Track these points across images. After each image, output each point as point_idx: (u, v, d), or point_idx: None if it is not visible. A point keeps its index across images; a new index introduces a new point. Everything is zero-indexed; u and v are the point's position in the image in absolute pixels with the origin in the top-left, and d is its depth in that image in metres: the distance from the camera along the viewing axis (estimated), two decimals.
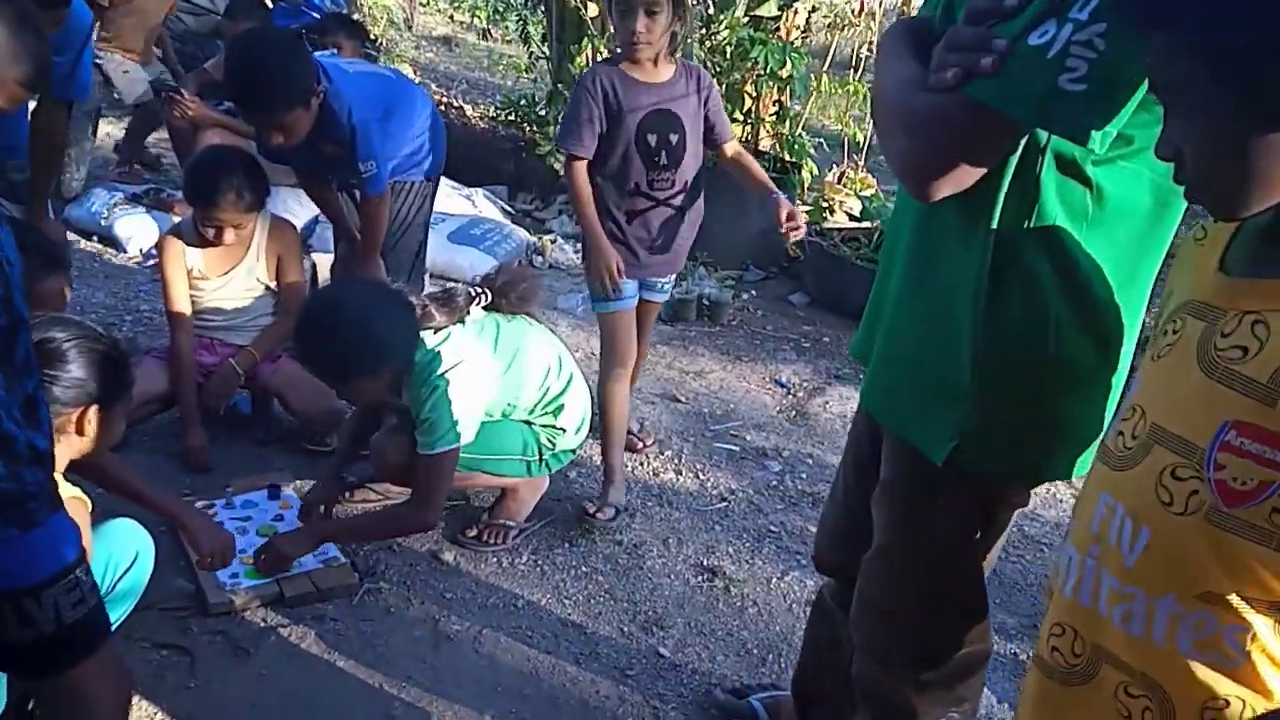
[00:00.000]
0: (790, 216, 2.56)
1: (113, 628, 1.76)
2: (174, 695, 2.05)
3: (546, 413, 2.55)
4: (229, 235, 2.74)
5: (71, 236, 4.20)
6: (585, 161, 2.57)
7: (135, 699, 2.01)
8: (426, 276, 3.31)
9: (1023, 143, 1.25)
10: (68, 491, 1.81)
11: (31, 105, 2.50)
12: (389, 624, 2.32)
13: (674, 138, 2.57)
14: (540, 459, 2.59)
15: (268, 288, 2.91)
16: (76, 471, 2.21)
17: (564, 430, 2.59)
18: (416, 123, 3.01)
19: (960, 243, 1.35)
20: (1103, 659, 1.06)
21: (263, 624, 2.27)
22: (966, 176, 1.23)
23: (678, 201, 2.67)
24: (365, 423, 2.65)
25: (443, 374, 2.28)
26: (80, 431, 1.76)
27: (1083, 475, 1.25)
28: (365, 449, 2.69)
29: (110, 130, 5.65)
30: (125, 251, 4.13)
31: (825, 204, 4.99)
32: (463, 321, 2.40)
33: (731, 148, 2.77)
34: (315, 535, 2.40)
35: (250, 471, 2.84)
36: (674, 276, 2.92)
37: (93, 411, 1.76)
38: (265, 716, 2.02)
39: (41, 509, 1.22)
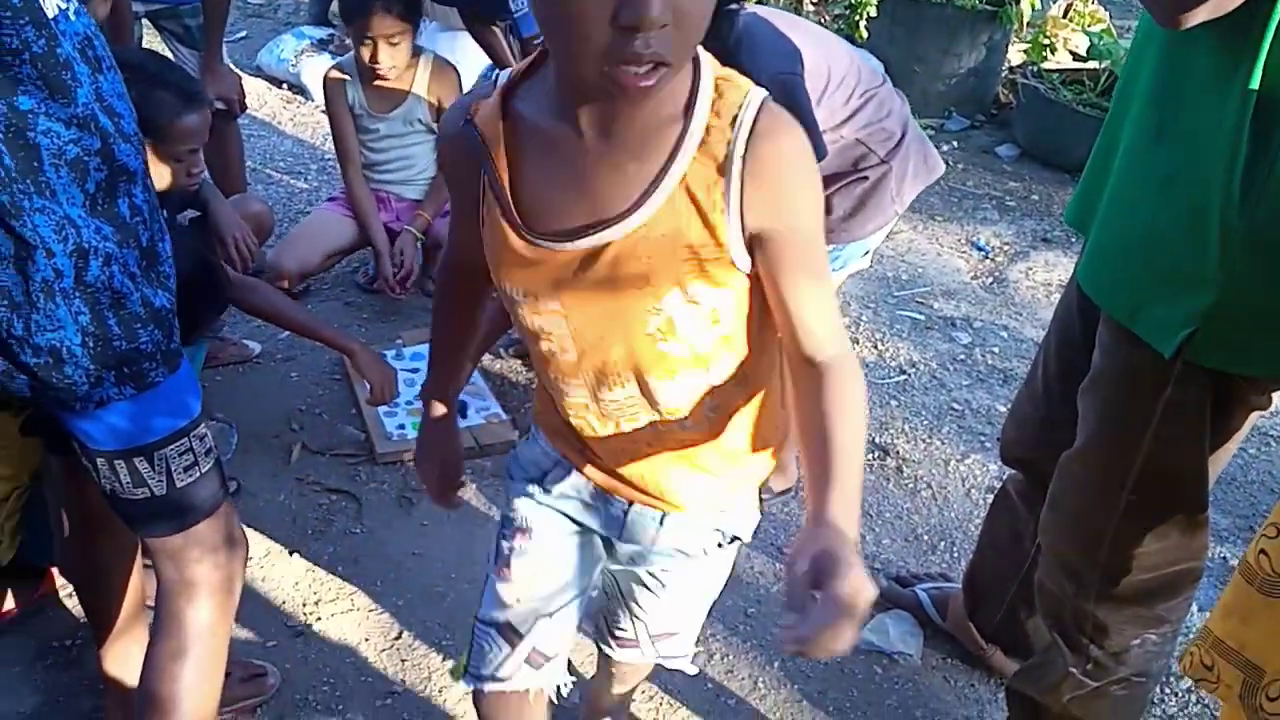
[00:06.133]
0: None
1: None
2: (341, 538, 2.12)
3: None
4: (385, 56, 2.67)
5: (261, 84, 4.30)
6: None
7: (305, 539, 2.10)
8: None
9: None
10: None
11: None
12: None
13: None
14: None
15: (429, 130, 2.86)
16: (252, 312, 2.28)
17: None
18: None
19: (1213, 89, 1.08)
20: None
21: None
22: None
23: None
24: None
25: None
26: None
27: None
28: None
29: None
30: (312, 99, 4.17)
31: (1046, 41, 4.43)
32: None
33: None
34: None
35: (420, 324, 2.86)
36: None
37: None
38: (425, 566, 2.06)
39: (157, 369, 1.19)
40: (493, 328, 2.54)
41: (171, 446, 1.24)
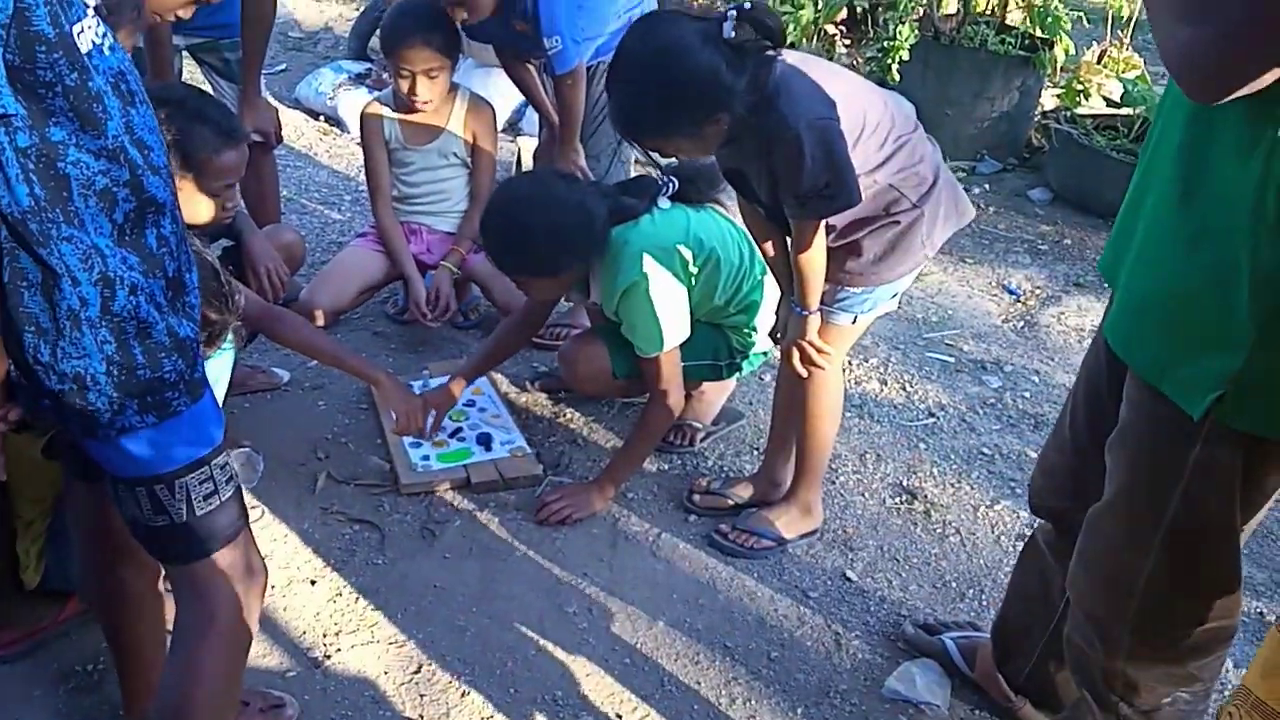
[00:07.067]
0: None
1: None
2: (363, 569, 2.11)
3: (739, 311, 2.39)
4: (422, 89, 2.70)
5: (298, 116, 4.37)
6: None
7: (327, 568, 2.09)
8: (632, 165, 3.17)
9: None
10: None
11: None
12: None
13: None
14: (730, 362, 2.44)
15: (464, 164, 2.89)
16: (281, 342, 2.31)
17: (756, 331, 2.42)
18: None
19: (1241, 153, 1.08)
20: None
21: (449, 508, 2.30)
22: (1268, 77, 0.96)
23: None
24: (532, 316, 2.53)
25: (636, 267, 2.16)
26: None
27: None
28: (529, 340, 2.67)
29: (342, 11, 5.81)
30: (348, 132, 4.23)
31: (1080, 87, 4.42)
32: (651, 211, 2.25)
33: None
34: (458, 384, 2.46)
35: (447, 354, 2.87)
36: None
37: None
38: (446, 599, 2.05)
39: (180, 399, 1.20)
40: (508, 346, 2.55)
41: (192, 475, 1.24)
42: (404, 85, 2.72)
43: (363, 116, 2.89)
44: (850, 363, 2.95)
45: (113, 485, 1.26)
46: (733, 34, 1.65)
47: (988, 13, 4.57)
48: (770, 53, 1.72)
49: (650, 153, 1.93)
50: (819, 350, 1.98)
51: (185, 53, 2.78)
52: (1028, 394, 2.90)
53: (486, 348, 2.52)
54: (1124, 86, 4.30)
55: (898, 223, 1.92)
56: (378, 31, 4.67)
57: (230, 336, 1.91)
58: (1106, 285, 1.40)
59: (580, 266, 2.25)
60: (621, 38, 1.78)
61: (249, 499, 2.24)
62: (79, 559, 1.57)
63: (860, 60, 4.82)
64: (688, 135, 1.75)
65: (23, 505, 1.76)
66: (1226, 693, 1.95)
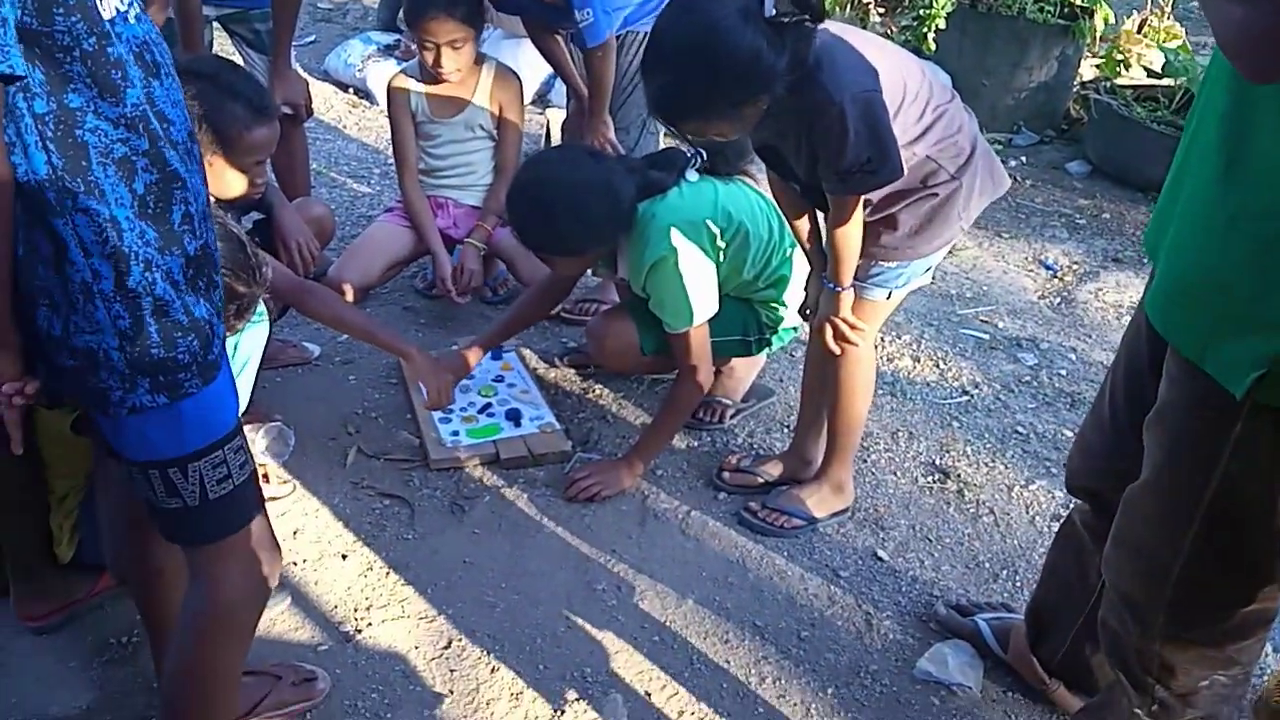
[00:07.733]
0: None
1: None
2: (393, 544, 2.12)
3: (768, 286, 2.36)
4: (447, 60, 2.68)
5: (328, 88, 4.36)
6: None
7: (358, 543, 2.10)
8: (661, 136, 3.14)
9: None
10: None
11: None
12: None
13: None
14: (760, 338, 2.42)
15: (491, 136, 2.87)
16: (311, 316, 2.31)
17: (786, 306, 2.39)
18: None
19: (1277, 129, 1.05)
20: None
21: (478, 484, 2.30)
22: None
23: None
24: (554, 288, 2.54)
25: (664, 241, 2.13)
26: None
27: None
28: (550, 311, 2.70)
29: None
30: (377, 104, 4.22)
31: (1120, 57, 4.32)
32: (679, 185, 2.22)
33: None
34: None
35: (476, 329, 2.86)
36: None
37: None
38: (476, 574, 2.05)
39: (192, 380, 1.18)
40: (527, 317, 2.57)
41: (205, 459, 1.23)
42: (429, 57, 2.70)
43: (389, 89, 2.87)
44: (883, 339, 2.91)
45: (127, 467, 1.26)
46: (773, 11, 1.61)
47: None
48: (810, 25, 1.68)
49: (687, 135, 1.90)
50: (852, 326, 1.95)
51: (215, 23, 2.77)
52: (1064, 372, 2.85)
53: (505, 318, 2.53)
54: (1165, 56, 4.20)
55: (935, 195, 1.88)
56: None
57: (262, 309, 1.91)
58: (1146, 260, 1.37)
59: (603, 246, 2.24)
60: (658, 18, 1.74)
61: (281, 473, 2.26)
62: (109, 535, 1.58)
63: (895, 29, 4.73)
64: (727, 118, 1.72)
65: (56, 480, 1.77)
66: (1266, 676, 1.92)
